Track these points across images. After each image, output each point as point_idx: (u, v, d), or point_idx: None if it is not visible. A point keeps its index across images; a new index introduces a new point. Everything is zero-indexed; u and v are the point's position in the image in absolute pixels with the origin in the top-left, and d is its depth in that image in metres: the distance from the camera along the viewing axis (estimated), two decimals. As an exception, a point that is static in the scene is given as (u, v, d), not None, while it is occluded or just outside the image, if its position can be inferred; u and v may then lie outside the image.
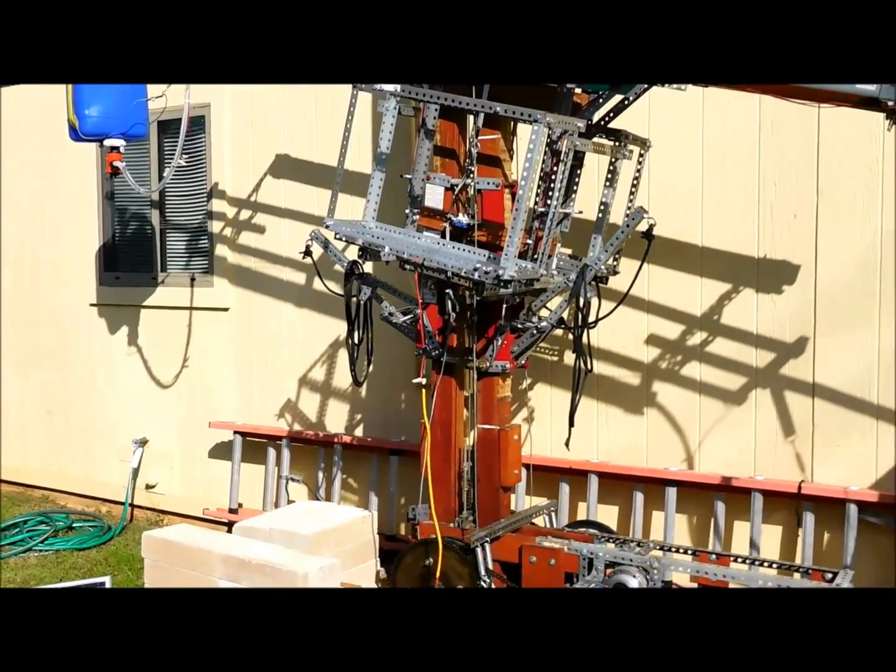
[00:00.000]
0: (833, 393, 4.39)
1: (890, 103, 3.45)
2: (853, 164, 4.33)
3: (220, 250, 6.26)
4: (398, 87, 4.07)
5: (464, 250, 4.03)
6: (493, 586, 4.03)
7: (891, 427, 4.27)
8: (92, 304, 6.98)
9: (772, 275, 4.52)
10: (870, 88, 3.43)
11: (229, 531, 5.80)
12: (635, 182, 4.46)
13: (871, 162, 4.30)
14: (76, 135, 5.37)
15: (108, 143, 5.40)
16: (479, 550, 4.03)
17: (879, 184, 4.28)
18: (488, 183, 4.13)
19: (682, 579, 4.52)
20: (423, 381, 4.21)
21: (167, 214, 6.58)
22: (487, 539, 4.07)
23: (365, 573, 4.77)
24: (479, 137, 4.10)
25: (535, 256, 3.96)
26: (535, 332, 4.19)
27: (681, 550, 4.13)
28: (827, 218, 4.40)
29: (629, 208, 4.46)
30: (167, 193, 6.46)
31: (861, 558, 4.22)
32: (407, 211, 4.23)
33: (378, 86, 4.11)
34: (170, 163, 6.44)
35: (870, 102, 3.56)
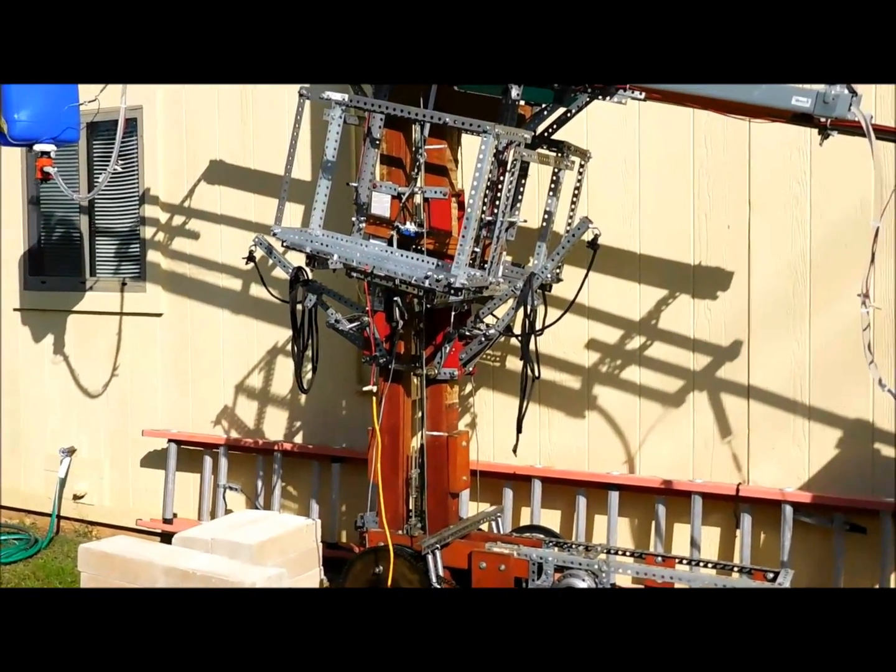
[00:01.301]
0: (767, 396, 4.55)
1: (822, 119, 3.60)
2: (783, 178, 4.50)
3: (153, 256, 6.15)
4: (345, 95, 4.09)
5: (412, 258, 4.06)
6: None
7: (823, 428, 4.44)
8: (16, 309, 6.79)
9: (707, 282, 4.66)
10: (804, 105, 3.57)
11: (163, 541, 5.71)
12: (576, 192, 4.55)
13: (799, 175, 4.47)
14: (4, 139, 5.21)
15: (38, 147, 5.26)
16: (429, 557, 4.06)
17: (808, 196, 4.46)
18: (436, 192, 4.17)
19: (624, 581, 4.64)
20: (374, 388, 4.23)
21: (97, 219, 6.43)
22: (438, 546, 4.10)
23: (309, 582, 4.75)
24: (427, 147, 4.14)
25: (484, 264, 4.02)
26: (483, 339, 4.24)
27: (627, 553, 4.22)
28: (759, 228, 4.56)
29: (570, 217, 4.55)
30: (97, 197, 6.31)
31: (796, 557, 4.38)
32: (353, 219, 4.24)
33: (325, 94, 4.10)
34: (100, 166, 6.32)
35: (802, 118, 3.72)
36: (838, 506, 4.34)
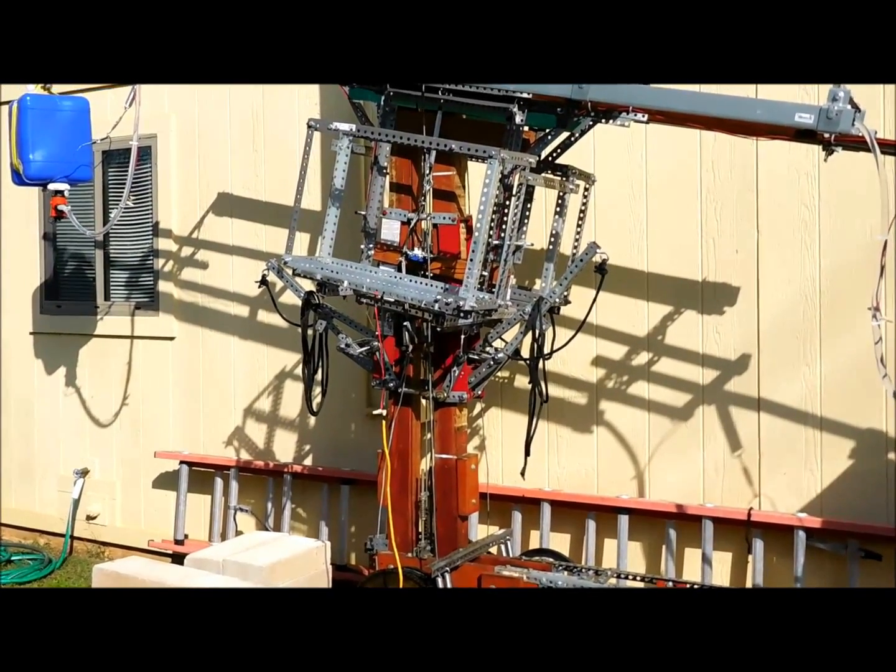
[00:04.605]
0: (778, 419, 4.54)
1: (826, 135, 3.59)
2: (791, 202, 4.50)
3: (165, 286, 6.22)
4: (352, 126, 4.15)
5: (421, 283, 4.09)
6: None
7: (835, 451, 4.42)
8: (31, 333, 6.87)
9: (716, 305, 4.67)
10: (807, 121, 3.56)
11: (174, 563, 5.73)
12: (582, 215, 4.58)
13: (808, 199, 4.47)
14: (19, 179, 5.34)
15: (52, 187, 5.36)
16: (439, 580, 4.06)
17: (817, 220, 4.46)
18: (444, 217, 4.21)
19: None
20: (384, 412, 4.26)
21: (110, 250, 6.53)
22: (447, 569, 4.11)
23: (319, 604, 4.76)
24: (435, 173, 4.17)
25: (492, 288, 4.05)
26: (491, 362, 4.27)
27: (637, 578, 4.21)
28: (768, 253, 4.56)
29: (577, 241, 4.58)
30: (111, 229, 6.38)
31: (809, 582, 4.34)
32: (362, 246, 4.28)
33: (333, 125, 4.16)
34: (114, 197, 6.40)
35: (806, 135, 3.71)
36: (852, 532, 4.30)
